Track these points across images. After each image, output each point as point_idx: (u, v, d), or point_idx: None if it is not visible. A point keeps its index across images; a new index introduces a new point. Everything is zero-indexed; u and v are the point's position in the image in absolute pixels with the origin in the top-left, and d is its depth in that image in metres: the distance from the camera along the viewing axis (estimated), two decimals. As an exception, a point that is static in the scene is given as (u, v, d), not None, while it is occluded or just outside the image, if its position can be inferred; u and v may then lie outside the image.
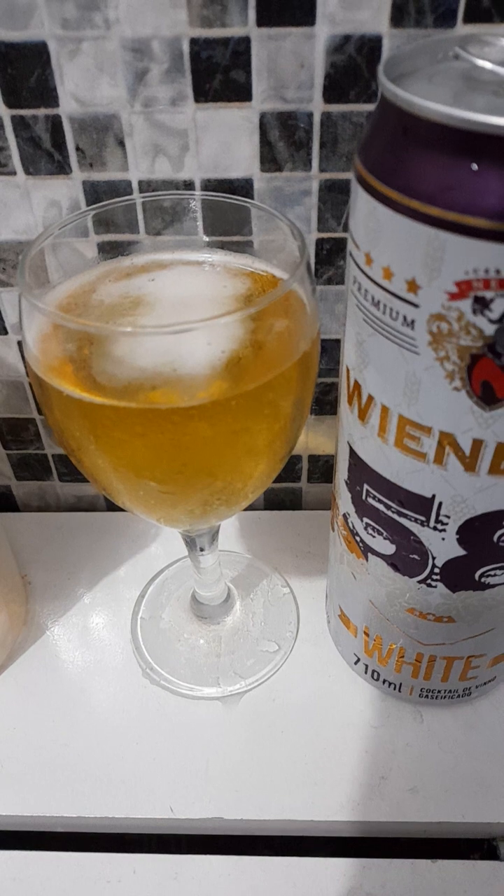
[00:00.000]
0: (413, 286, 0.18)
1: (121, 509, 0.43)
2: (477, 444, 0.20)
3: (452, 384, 0.19)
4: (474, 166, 0.16)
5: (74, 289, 0.25)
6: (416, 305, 0.19)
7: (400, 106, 0.17)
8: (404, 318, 0.19)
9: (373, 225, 0.19)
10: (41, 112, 0.28)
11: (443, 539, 0.23)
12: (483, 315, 0.18)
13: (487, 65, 0.18)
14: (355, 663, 0.32)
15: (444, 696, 0.31)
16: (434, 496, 0.22)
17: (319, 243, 0.32)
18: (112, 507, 0.44)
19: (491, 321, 0.18)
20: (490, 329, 0.18)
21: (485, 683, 0.31)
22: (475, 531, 0.23)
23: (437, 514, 0.23)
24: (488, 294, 0.17)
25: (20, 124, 0.29)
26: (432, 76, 0.19)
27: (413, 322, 0.19)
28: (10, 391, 0.38)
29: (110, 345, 0.21)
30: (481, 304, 0.17)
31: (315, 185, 0.30)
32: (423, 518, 0.23)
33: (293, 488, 0.42)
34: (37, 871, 0.29)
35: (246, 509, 0.42)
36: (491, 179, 0.16)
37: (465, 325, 0.18)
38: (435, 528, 0.23)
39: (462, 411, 0.20)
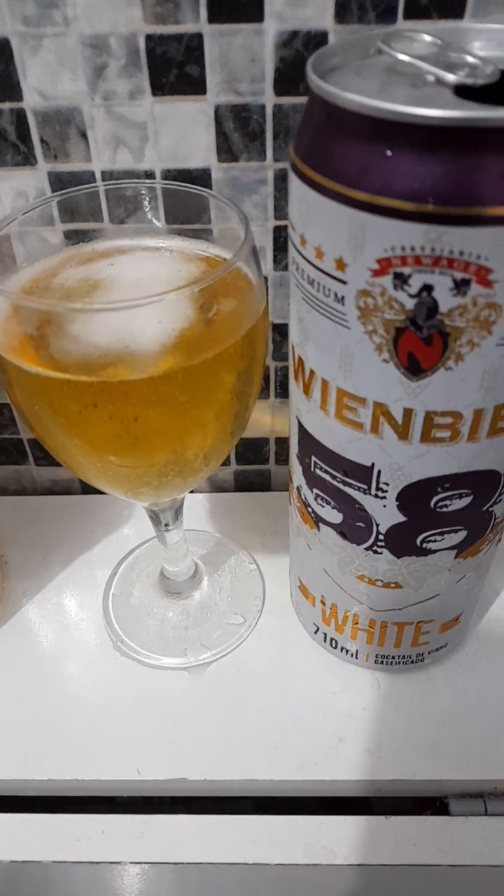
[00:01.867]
0: (341, 264, 0.20)
1: (95, 492, 0.44)
2: (408, 413, 0.22)
3: (381, 356, 0.21)
4: (388, 152, 0.18)
5: (37, 273, 0.27)
6: (344, 282, 0.20)
7: (323, 97, 0.18)
8: (335, 294, 0.20)
9: (304, 208, 0.20)
10: (6, 106, 0.29)
11: (384, 506, 0.25)
12: (403, 290, 0.19)
13: (406, 58, 0.19)
14: (315, 632, 0.34)
15: (399, 662, 0.33)
16: (373, 464, 0.24)
17: (277, 231, 0.33)
18: (87, 490, 0.45)
19: (410, 295, 0.19)
20: (410, 303, 0.19)
21: (437, 650, 0.32)
22: (413, 497, 0.24)
23: (378, 482, 0.24)
24: (406, 270, 0.19)
25: (-14, 117, 0.30)
26: (360, 70, 0.20)
27: (343, 298, 0.20)
28: (-15, 377, 0.39)
29: (67, 323, 0.23)
30: (401, 280, 0.19)
31: (270, 174, 0.31)
32: (364, 486, 0.25)
33: (261, 470, 0.43)
34: (8, 831, 0.30)
35: (217, 491, 0.44)
36: (403, 164, 0.17)
37: (387, 300, 0.19)
38: (376, 496, 0.25)
39: (392, 382, 0.21)
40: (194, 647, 0.35)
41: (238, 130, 0.30)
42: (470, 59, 0.20)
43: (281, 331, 0.37)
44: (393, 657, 0.32)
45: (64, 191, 0.28)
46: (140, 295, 0.21)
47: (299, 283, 0.22)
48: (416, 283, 0.19)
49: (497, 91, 0.19)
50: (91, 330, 0.22)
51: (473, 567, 0.28)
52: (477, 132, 0.17)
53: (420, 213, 0.17)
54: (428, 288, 0.19)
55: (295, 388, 0.25)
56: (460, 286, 0.18)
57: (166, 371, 0.22)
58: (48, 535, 0.42)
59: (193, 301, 0.22)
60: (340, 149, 0.19)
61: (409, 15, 0.27)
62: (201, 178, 0.31)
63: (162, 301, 0.21)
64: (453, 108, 0.17)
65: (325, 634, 0.33)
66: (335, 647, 0.33)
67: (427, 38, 0.21)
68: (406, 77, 0.19)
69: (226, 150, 0.30)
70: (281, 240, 0.33)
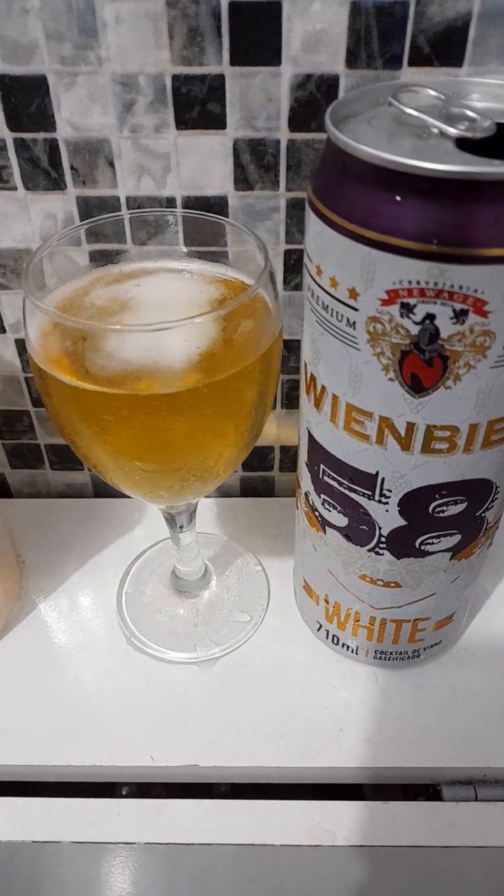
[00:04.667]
0: (353, 293, 0.22)
1: (107, 495, 0.46)
2: (410, 427, 0.24)
3: (387, 376, 0.23)
4: (397, 197, 0.20)
5: (70, 293, 0.29)
6: (356, 309, 0.22)
7: (340, 146, 0.21)
8: (347, 319, 0.23)
9: (321, 242, 0.23)
10: (40, 136, 0.32)
11: (386, 511, 0.27)
12: (409, 318, 0.21)
13: (413, 112, 0.22)
14: (318, 630, 0.36)
15: (397, 658, 0.35)
16: (377, 472, 0.26)
17: (287, 254, 0.35)
18: (99, 493, 0.47)
19: (415, 323, 0.21)
20: (415, 329, 0.22)
21: (432, 646, 0.35)
22: (413, 503, 0.27)
23: (381, 489, 0.27)
24: (412, 301, 0.21)
25: (21, 146, 0.32)
26: (371, 119, 0.23)
27: (354, 323, 0.23)
28: (6, 385, 0.41)
29: (101, 341, 0.25)
30: (407, 309, 0.21)
31: (283, 202, 0.34)
32: (369, 492, 0.27)
33: (266, 476, 0.46)
34: (30, 814, 0.32)
35: (222, 496, 0.46)
36: (410, 208, 0.20)
37: (395, 326, 0.22)
38: (379, 501, 0.27)
39: (396, 398, 0.24)
40: (203, 642, 0.37)
41: (254, 162, 0.32)
42: (470, 112, 0.22)
43: (288, 346, 0.39)
44: (391, 653, 0.34)
45: (92, 219, 0.30)
46: (167, 315, 0.23)
47: (314, 307, 0.24)
48: (420, 312, 0.21)
49: (493, 144, 0.21)
50: (124, 347, 0.25)
51: (467, 568, 0.30)
52: (474, 184, 0.19)
53: (425, 252, 0.20)
54: (431, 317, 0.21)
55: (306, 401, 0.28)
56: (459, 316, 0.21)
57: (193, 386, 0.24)
58: (62, 536, 0.44)
59: (217, 322, 0.25)
60: (354, 192, 0.21)
61: (413, 62, 0.29)
62: (218, 204, 0.34)
63: (193, 323, 0.23)
64: (454, 161, 0.19)
65: (328, 631, 0.35)
66: (336, 644, 0.36)
67: (431, 92, 0.23)
68: (412, 128, 0.22)
69: (242, 180, 0.33)
70: (291, 262, 0.36)
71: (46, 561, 0.42)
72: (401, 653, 0.34)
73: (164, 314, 0.27)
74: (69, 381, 0.25)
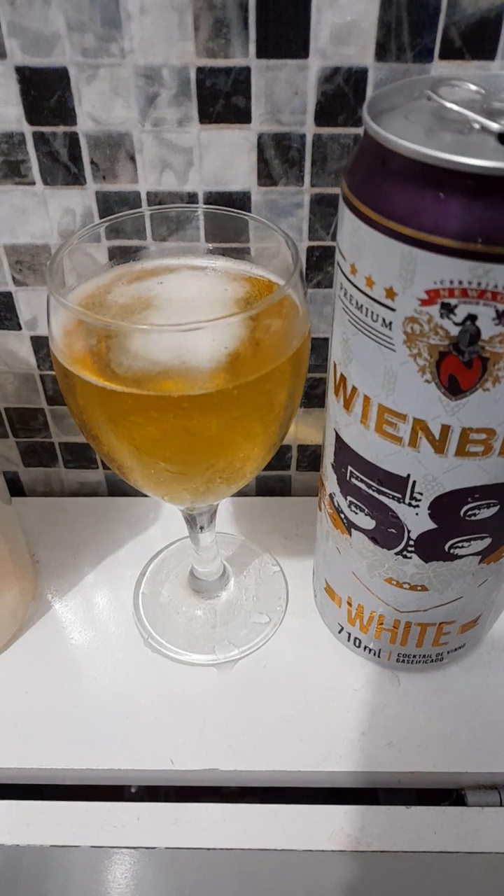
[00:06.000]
0: (391, 293, 0.21)
1: (122, 494, 0.46)
2: (445, 430, 0.24)
3: (424, 377, 0.23)
4: (441, 195, 0.19)
5: (92, 290, 0.28)
6: (393, 309, 0.22)
7: (380, 142, 0.20)
8: (383, 320, 0.22)
9: (356, 240, 0.22)
10: (60, 129, 0.31)
11: (416, 514, 0.27)
12: (449, 318, 0.21)
13: (454, 106, 0.21)
14: (339, 632, 0.36)
15: (419, 661, 0.34)
16: (409, 475, 0.26)
17: (310, 251, 0.35)
18: (114, 492, 0.47)
19: (455, 324, 0.21)
20: (455, 330, 0.21)
21: (456, 650, 0.34)
22: (444, 507, 0.26)
23: (412, 492, 0.26)
24: (453, 301, 0.20)
25: (40, 140, 0.31)
26: (409, 113, 0.22)
27: (391, 323, 0.22)
28: (21, 382, 0.41)
29: (127, 340, 0.24)
30: (447, 310, 0.21)
31: (307, 198, 0.33)
32: (399, 495, 0.27)
33: (283, 476, 0.45)
34: (49, 818, 0.32)
35: (239, 495, 0.46)
36: (454, 206, 0.19)
37: (434, 327, 0.21)
38: (409, 505, 0.27)
39: (432, 401, 0.23)
40: (222, 644, 0.37)
41: (278, 157, 0.32)
42: (511, 107, 0.22)
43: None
44: (414, 656, 0.34)
45: (112, 216, 0.29)
46: (192, 314, 0.23)
47: (346, 307, 0.24)
48: (461, 312, 0.20)
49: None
50: (151, 347, 0.24)
51: (495, 572, 0.30)
52: (522, 181, 0.18)
53: (468, 251, 0.19)
54: (472, 317, 0.20)
55: (335, 402, 0.27)
56: (502, 317, 0.20)
57: (223, 387, 0.24)
58: (77, 536, 0.43)
59: (246, 323, 0.24)
60: (394, 189, 0.20)
61: (444, 55, 0.29)
62: (241, 200, 0.33)
63: (224, 323, 0.23)
64: (499, 157, 0.19)
65: (349, 634, 0.35)
66: (358, 646, 0.35)
67: (471, 86, 0.23)
68: (452, 123, 0.21)
69: (266, 175, 0.32)
70: (314, 259, 0.35)
71: (61, 561, 0.42)
72: (424, 656, 0.34)
73: (190, 313, 0.27)
74: (96, 381, 0.24)
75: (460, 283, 0.20)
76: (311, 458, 0.44)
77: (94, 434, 0.26)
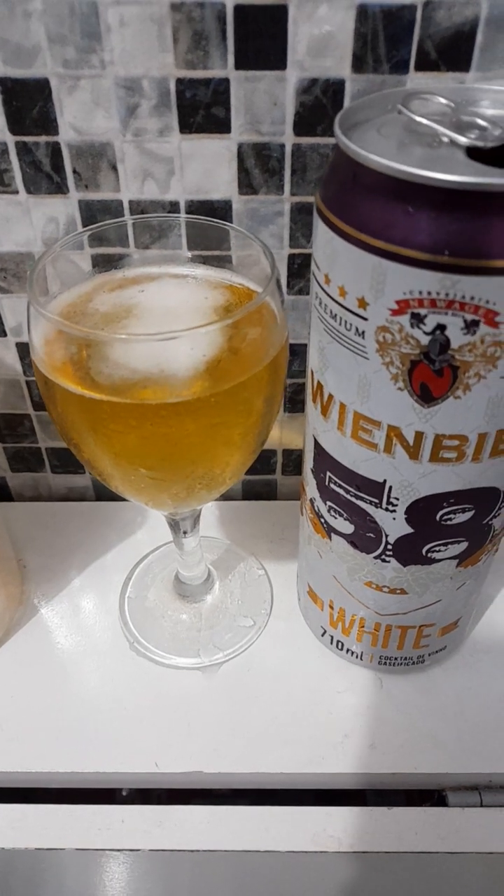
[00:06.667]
0: (363, 303, 0.22)
1: (109, 499, 0.46)
2: (419, 436, 0.24)
3: (396, 385, 0.23)
4: (410, 208, 0.20)
5: (73, 298, 0.29)
6: (365, 319, 0.22)
7: (350, 156, 0.21)
8: (356, 329, 0.23)
9: (330, 251, 0.22)
10: (42, 139, 0.32)
11: (393, 519, 0.27)
12: (419, 328, 0.21)
13: (424, 120, 0.22)
14: (322, 635, 0.36)
15: (401, 663, 0.35)
16: (385, 481, 0.26)
17: (291, 258, 0.35)
18: (101, 496, 0.47)
19: (425, 333, 0.21)
20: (425, 339, 0.21)
21: (437, 651, 0.35)
22: (420, 511, 0.27)
23: (388, 497, 0.26)
24: (422, 311, 0.21)
25: (23, 149, 0.32)
26: (381, 127, 0.23)
27: (363, 332, 0.23)
28: (7, 388, 0.41)
29: (107, 349, 0.25)
30: (417, 319, 0.21)
31: (287, 207, 0.33)
32: (376, 500, 0.27)
33: (268, 480, 0.46)
34: (34, 821, 0.32)
35: (225, 499, 0.46)
36: (423, 219, 0.20)
37: (405, 336, 0.22)
38: (387, 509, 0.27)
39: (405, 408, 0.23)
40: (207, 648, 0.37)
41: (258, 167, 0.32)
42: (479, 121, 0.22)
43: (291, 350, 0.39)
44: (395, 658, 0.34)
45: (95, 225, 0.30)
46: (172, 322, 0.23)
47: (322, 316, 0.24)
48: (430, 322, 0.21)
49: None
50: (131, 356, 0.24)
51: (473, 575, 0.30)
52: (487, 195, 0.19)
53: (436, 263, 0.20)
54: (441, 327, 0.21)
55: (313, 409, 0.28)
56: (470, 326, 0.21)
57: (200, 394, 0.24)
58: (64, 541, 0.44)
59: (224, 331, 0.25)
60: (365, 201, 0.21)
61: (420, 67, 0.29)
62: (222, 209, 0.33)
63: (200, 332, 0.23)
64: (466, 171, 0.19)
65: (332, 637, 0.35)
66: (341, 649, 0.36)
67: (441, 100, 0.23)
68: (422, 137, 0.22)
69: (246, 185, 0.33)
70: (295, 266, 0.35)
71: (48, 565, 0.42)
72: (405, 658, 0.34)
73: (170, 321, 0.27)
74: (75, 389, 0.24)
75: (429, 293, 0.20)
76: (296, 462, 0.45)
77: (74, 441, 0.27)
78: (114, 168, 0.32)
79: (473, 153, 0.21)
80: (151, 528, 0.44)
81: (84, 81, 0.30)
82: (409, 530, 0.27)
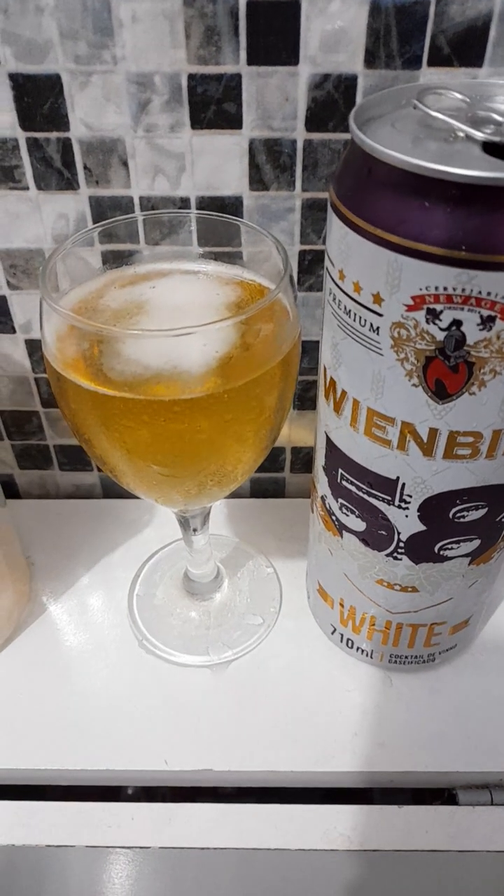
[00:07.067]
0: (378, 299, 0.22)
1: (117, 497, 0.46)
2: (433, 433, 0.24)
3: (411, 381, 0.23)
4: (426, 203, 0.20)
5: (84, 295, 0.29)
6: (380, 315, 0.22)
7: (366, 150, 0.20)
8: (371, 325, 0.23)
9: (344, 247, 0.22)
10: (53, 135, 0.31)
11: (406, 516, 0.27)
12: (434, 324, 0.21)
13: (439, 115, 0.21)
14: (332, 633, 0.36)
15: (411, 662, 0.35)
16: (398, 478, 0.26)
17: (302, 254, 0.35)
18: (109, 494, 0.47)
19: (441, 329, 0.21)
20: (440, 335, 0.21)
21: (447, 650, 0.35)
22: (433, 508, 0.26)
23: (401, 494, 0.26)
24: (438, 307, 0.21)
25: (34, 145, 0.32)
26: (395, 122, 0.23)
27: (378, 328, 0.22)
28: (16, 385, 0.41)
29: (120, 345, 0.25)
30: (433, 315, 0.21)
31: (298, 203, 0.33)
32: (389, 497, 0.27)
33: (277, 478, 0.46)
34: (45, 818, 0.32)
35: (233, 497, 0.46)
36: (439, 214, 0.20)
37: (420, 332, 0.21)
38: (399, 507, 0.27)
39: (420, 404, 0.23)
40: (216, 645, 0.37)
41: (270, 162, 0.32)
42: (496, 116, 0.22)
43: (301, 347, 0.39)
44: (406, 657, 0.34)
45: (105, 221, 0.30)
46: (184, 318, 0.23)
47: (335, 311, 0.24)
48: (446, 318, 0.21)
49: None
50: (143, 352, 0.24)
51: (484, 573, 0.30)
52: (503, 190, 0.19)
53: (453, 259, 0.20)
54: (457, 323, 0.21)
55: (325, 406, 0.27)
56: (486, 322, 0.21)
57: (213, 391, 0.24)
58: (72, 538, 0.44)
59: (237, 327, 0.24)
60: (380, 196, 0.21)
61: (432, 62, 0.29)
62: (233, 205, 0.33)
63: (214, 328, 0.23)
64: (483, 166, 0.19)
65: (342, 635, 0.35)
66: (351, 647, 0.35)
67: (457, 94, 0.23)
68: (438, 132, 0.22)
69: (257, 181, 0.33)
70: (305, 263, 0.35)
71: (56, 563, 0.42)
72: (416, 657, 0.34)
73: (182, 317, 0.27)
74: (88, 385, 0.24)
75: (445, 289, 0.20)
76: (304, 460, 0.45)
77: (86, 437, 0.27)
78: (124, 164, 0.32)
79: (489, 148, 0.21)
80: (159, 525, 0.44)
81: (96, 77, 0.30)
82: (422, 528, 0.27)
